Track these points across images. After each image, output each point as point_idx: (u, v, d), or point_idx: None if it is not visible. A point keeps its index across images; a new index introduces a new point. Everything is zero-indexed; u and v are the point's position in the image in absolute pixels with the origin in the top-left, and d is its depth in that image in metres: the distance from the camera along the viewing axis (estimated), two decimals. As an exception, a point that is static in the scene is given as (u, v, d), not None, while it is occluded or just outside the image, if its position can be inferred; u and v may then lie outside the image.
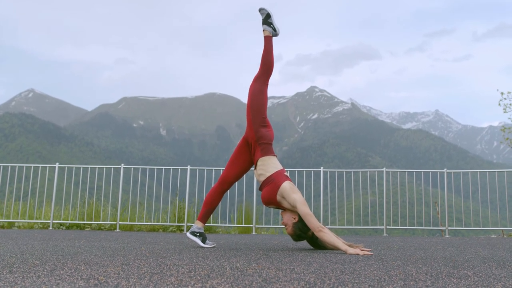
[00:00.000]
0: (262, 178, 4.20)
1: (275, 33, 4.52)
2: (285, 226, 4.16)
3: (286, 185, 4.07)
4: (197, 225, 4.41)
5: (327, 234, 3.92)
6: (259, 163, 4.23)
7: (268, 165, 4.19)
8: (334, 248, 3.96)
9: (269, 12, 4.52)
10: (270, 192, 4.13)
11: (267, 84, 4.44)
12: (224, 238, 6.00)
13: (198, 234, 4.37)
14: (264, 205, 4.35)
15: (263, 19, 4.53)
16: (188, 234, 4.40)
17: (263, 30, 4.50)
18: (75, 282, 2.16)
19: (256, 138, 4.26)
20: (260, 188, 4.26)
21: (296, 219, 4.08)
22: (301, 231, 4.09)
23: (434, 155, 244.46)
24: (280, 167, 4.24)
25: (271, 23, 4.50)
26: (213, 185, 4.59)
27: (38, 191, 8.61)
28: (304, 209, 3.97)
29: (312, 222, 3.95)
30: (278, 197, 4.10)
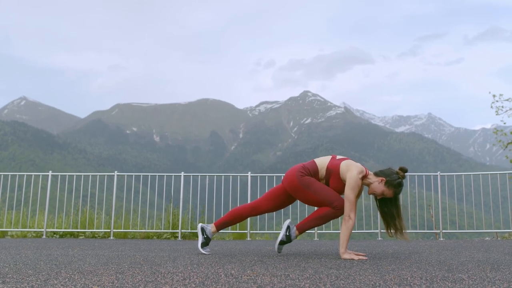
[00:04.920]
0: (323, 182, 4.15)
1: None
2: (384, 194, 4.03)
3: (343, 166, 4.02)
4: (211, 230, 4.37)
5: (345, 228, 3.91)
6: (319, 177, 4.18)
7: (321, 168, 4.11)
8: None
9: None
10: (336, 182, 4.06)
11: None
12: (218, 245, 5.99)
13: (205, 236, 4.35)
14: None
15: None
16: (200, 225, 4.37)
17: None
18: (69, 292, 2.15)
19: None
20: (327, 185, 4.15)
21: (384, 179, 3.98)
22: (397, 186, 3.99)
23: (428, 158, 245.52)
24: (327, 158, 4.17)
25: (286, 236, 4.27)
26: (241, 204, 4.51)
27: (31, 199, 8.55)
28: (347, 192, 3.91)
29: (347, 208, 3.91)
30: (344, 181, 4.02)
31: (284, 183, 4.21)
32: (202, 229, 4.37)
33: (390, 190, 3.99)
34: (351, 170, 3.97)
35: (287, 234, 4.22)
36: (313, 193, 4.06)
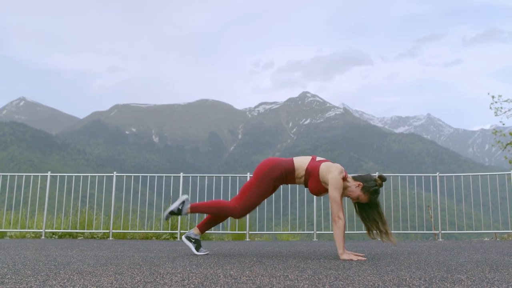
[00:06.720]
0: (301, 181, 4.15)
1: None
2: (359, 199, 4.07)
3: (322, 167, 4.02)
4: (194, 232, 4.38)
5: (337, 229, 3.91)
6: (295, 176, 4.19)
7: (299, 168, 4.12)
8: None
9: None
10: (315, 183, 4.06)
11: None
12: (217, 245, 5.99)
13: (193, 241, 4.35)
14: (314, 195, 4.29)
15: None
16: (183, 238, 4.38)
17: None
18: (68, 293, 2.15)
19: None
20: (305, 185, 4.18)
21: (361, 184, 4.01)
22: (373, 193, 4.03)
23: (427, 159, 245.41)
24: (307, 159, 4.17)
25: (177, 209, 4.32)
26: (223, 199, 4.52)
27: (30, 200, 8.53)
28: (332, 193, 3.91)
29: (334, 208, 3.91)
30: (323, 183, 4.04)
31: (257, 167, 4.23)
32: (188, 238, 4.38)
33: (366, 196, 4.04)
34: (332, 171, 3.98)
35: (180, 208, 4.30)
36: (249, 186, 4.13)
